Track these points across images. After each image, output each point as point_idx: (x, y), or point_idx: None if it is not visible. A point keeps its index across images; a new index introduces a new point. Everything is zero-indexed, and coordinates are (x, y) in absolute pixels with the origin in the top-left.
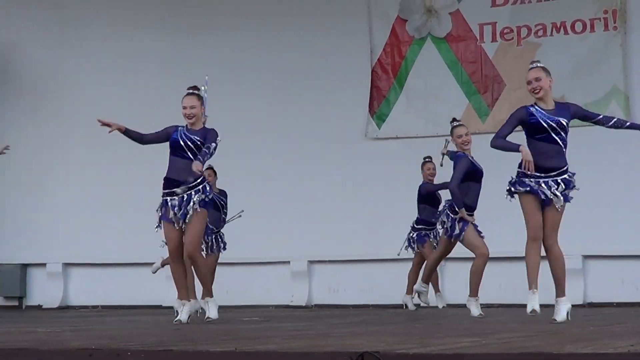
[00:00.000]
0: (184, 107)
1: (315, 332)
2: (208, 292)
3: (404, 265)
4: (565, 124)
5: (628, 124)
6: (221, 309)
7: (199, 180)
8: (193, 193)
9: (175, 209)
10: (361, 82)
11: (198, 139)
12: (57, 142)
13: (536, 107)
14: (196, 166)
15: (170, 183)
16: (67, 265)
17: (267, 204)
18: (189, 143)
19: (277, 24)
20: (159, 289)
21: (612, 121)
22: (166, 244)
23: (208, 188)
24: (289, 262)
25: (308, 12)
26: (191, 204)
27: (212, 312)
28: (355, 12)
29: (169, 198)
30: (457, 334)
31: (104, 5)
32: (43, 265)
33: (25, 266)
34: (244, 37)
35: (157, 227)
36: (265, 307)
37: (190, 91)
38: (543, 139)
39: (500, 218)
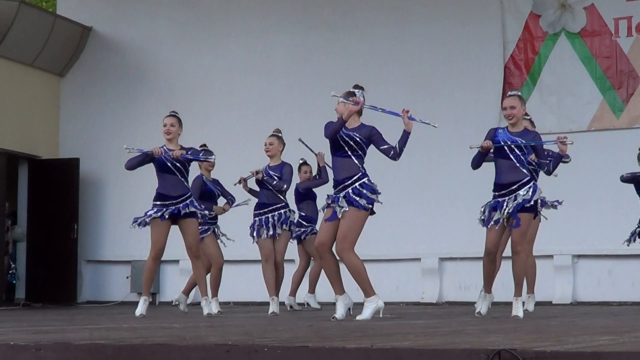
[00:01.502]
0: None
1: (449, 329)
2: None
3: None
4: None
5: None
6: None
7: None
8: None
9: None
10: (494, 78)
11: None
12: (191, 138)
13: (504, 130)
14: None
15: None
16: None
17: (398, 200)
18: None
19: (411, 20)
20: (285, 285)
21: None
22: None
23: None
24: (419, 259)
25: (441, 8)
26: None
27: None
28: (488, 8)
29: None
30: (593, 332)
31: (235, 2)
32: (176, 262)
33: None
34: (376, 33)
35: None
36: (396, 304)
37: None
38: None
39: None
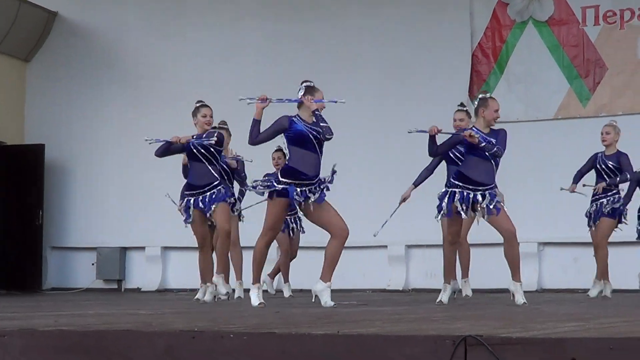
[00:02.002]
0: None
1: (415, 316)
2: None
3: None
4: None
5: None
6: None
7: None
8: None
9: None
10: (462, 66)
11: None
12: (158, 125)
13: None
14: None
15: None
16: (165, 248)
17: (364, 187)
18: (316, 135)
19: (380, 9)
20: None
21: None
22: None
23: None
24: (386, 246)
25: None
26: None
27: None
28: None
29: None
30: (558, 319)
31: None
32: (142, 248)
33: (124, 249)
34: (346, 22)
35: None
36: (362, 291)
37: None
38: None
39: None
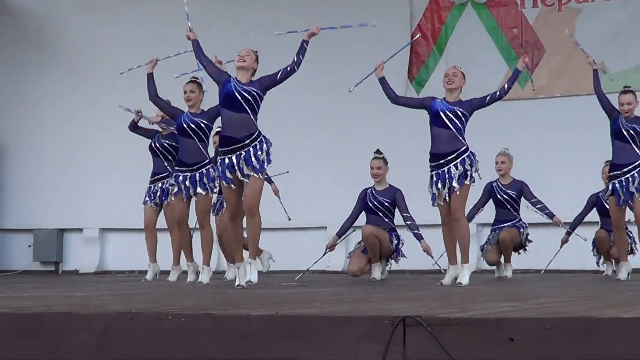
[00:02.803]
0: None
1: (355, 297)
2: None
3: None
4: (460, 113)
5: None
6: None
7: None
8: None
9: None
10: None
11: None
12: (92, 106)
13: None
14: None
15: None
16: (103, 230)
17: (303, 168)
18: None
19: None
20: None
21: (501, 92)
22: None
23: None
24: (325, 227)
25: None
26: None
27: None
28: None
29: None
30: (497, 299)
31: None
32: (80, 230)
33: (61, 231)
34: (280, 1)
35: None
36: (302, 272)
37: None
38: (440, 125)
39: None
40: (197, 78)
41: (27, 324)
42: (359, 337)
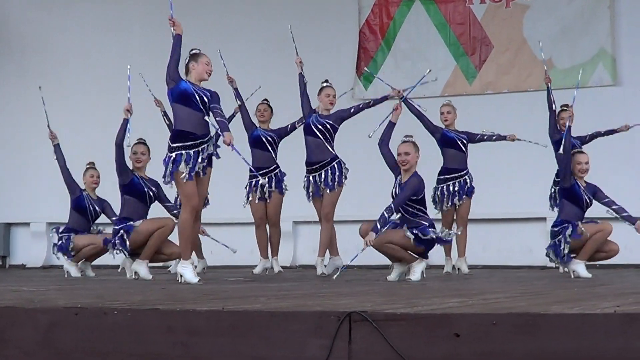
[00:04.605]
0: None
1: (301, 292)
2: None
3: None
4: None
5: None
6: (207, 269)
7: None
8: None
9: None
10: (350, 43)
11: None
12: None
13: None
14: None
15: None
16: (50, 224)
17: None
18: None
19: None
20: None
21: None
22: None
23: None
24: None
25: None
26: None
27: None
28: None
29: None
30: (443, 295)
31: None
32: (27, 224)
33: (8, 225)
34: None
35: None
36: (250, 267)
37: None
38: None
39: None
40: (144, 140)
41: None
42: (304, 332)
